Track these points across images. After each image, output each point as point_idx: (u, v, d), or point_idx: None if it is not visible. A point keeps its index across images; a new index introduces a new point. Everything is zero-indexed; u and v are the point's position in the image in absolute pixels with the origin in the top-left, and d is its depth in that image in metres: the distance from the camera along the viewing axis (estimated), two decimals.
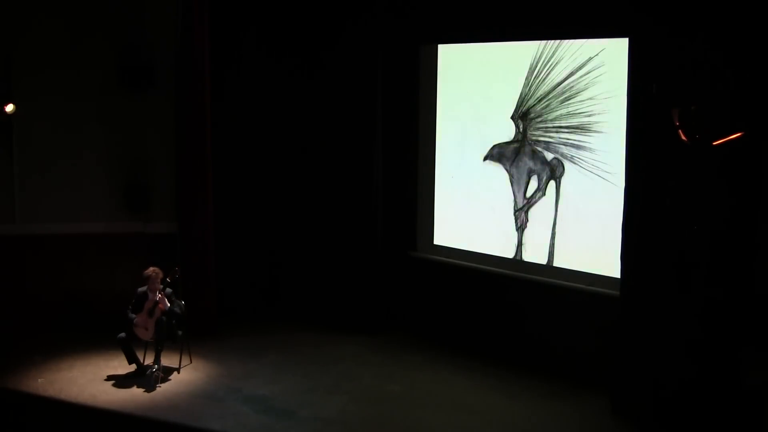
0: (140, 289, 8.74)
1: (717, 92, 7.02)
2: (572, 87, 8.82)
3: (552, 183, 9.11)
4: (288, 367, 8.98)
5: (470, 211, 9.93)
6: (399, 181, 10.32)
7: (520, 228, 9.45)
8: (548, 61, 9.02)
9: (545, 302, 9.01)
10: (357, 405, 8.08)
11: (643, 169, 7.62)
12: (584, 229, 8.84)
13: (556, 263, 9.11)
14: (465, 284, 9.77)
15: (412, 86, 10.25)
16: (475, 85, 9.76)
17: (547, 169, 9.14)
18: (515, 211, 9.49)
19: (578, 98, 8.78)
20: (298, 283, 10.79)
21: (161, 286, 8.66)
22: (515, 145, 9.43)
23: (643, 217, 7.61)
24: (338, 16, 10.19)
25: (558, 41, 8.90)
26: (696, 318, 7.25)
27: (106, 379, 8.57)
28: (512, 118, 9.42)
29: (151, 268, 8.73)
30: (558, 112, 8.98)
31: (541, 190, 9.21)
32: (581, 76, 8.73)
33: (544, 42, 9.01)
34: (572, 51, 8.79)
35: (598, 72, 8.60)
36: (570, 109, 8.87)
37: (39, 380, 8.50)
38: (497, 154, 9.63)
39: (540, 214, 9.23)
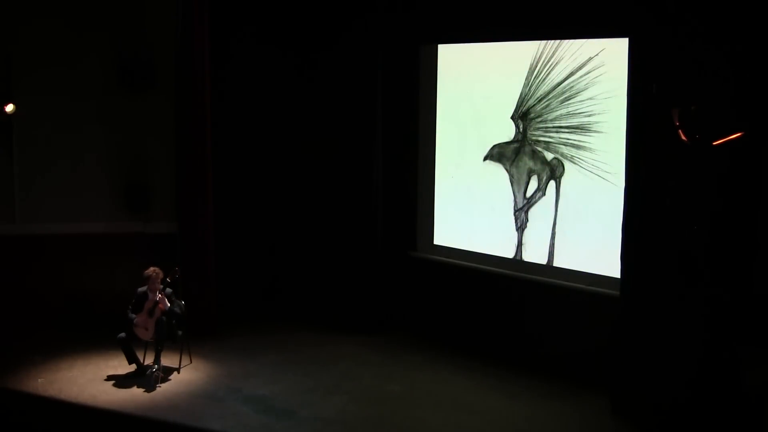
0: (140, 289, 8.74)
1: (717, 92, 7.02)
2: (572, 87, 8.82)
3: (552, 183, 9.11)
4: (288, 367, 8.98)
5: (470, 211, 9.93)
6: (399, 181, 10.33)
7: (520, 228, 9.45)
8: (548, 61, 9.02)
9: (545, 302, 9.01)
10: (357, 405, 8.08)
11: (643, 169, 7.62)
12: (584, 229, 8.84)
13: (556, 263, 9.11)
14: (465, 284, 9.77)
15: (412, 86, 10.25)
16: (475, 85, 9.76)
17: (547, 169, 9.14)
18: (515, 211, 9.49)
19: (578, 98, 8.78)
20: (298, 282, 10.80)
21: (161, 286, 8.66)
22: (515, 145, 9.43)
23: (643, 217, 7.61)
24: (338, 16, 10.19)
25: (558, 41, 8.90)
26: (696, 318, 7.25)
27: (106, 379, 8.57)
28: (512, 118, 9.42)
29: (152, 268, 8.73)
30: (558, 112, 8.98)
31: (541, 190, 9.21)
32: (581, 76, 8.74)
33: (544, 42, 9.02)
34: (572, 51, 8.80)
35: (598, 72, 8.60)
36: (570, 109, 8.87)
37: (39, 380, 8.50)
38: (497, 154, 9.63)
39: (540, 214, 9.23)
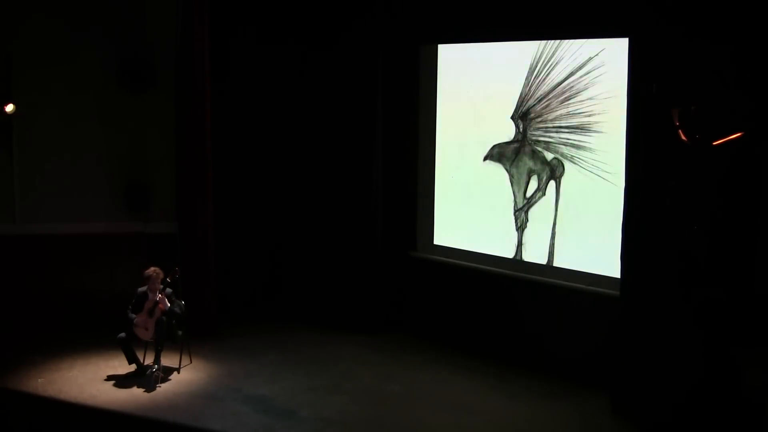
0: (140, 289, 8.74)
1: (717, 92, 7.02)
2: (572, 87, 8.82)
3: (552, 183, 9.11)
4: (288, 366, 8.98)
5: (470, 211, 9.93)
6: (399, 181, 10.32)
7: (520, 228, 9.45)
8: (548, 61, 9.02)
9: (545, 302, 9.01)
10: (357, 405, 8.08)
11: (643, 169, 7.62)
12: (584, 229, 8.84)
13: (556, 263, 9.11)
14: (465, 284, 9.77)
15: (412, 86, 10.24)
16: (475, 85, 9.76)
17: (547, 169, 9.14)
18: (515, 211, 9.49)
19: (578, 98, 8.78)
20: (298, 282, 10.80)
21: (161, 286, 8.66)
22: (515, 145, 9.43)
23: (643, 217, 7.61)
24: (338, 15, 10.19)
25: (558, 41, 8.90)
26: (696, 318, 7.25)
27: (106, 379, 8.57)
28: (512, 118, 9.42)
29: (152, 268, 8.73)
30: (558, 112, 8.98)
31: (541, 190, 9.21)
32: (581, 76, 8.73)
33: (544, 42, 9.01)
34: (572, 51, 8.79)
35: (598, 72, 8.60)
36: (570, 109, 8.87)
37: (39, 380, 8.50)
38: (497, 154, 9.63)
39: (540, 214, 9.23)
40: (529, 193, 9.35)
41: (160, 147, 10.13)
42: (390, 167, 10.19)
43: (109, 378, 8.60)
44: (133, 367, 8.70)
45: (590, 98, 8.68)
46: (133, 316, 8.65)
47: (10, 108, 9.57)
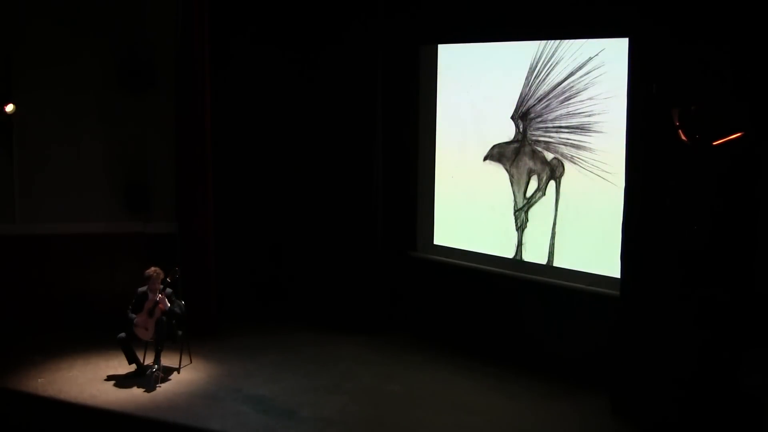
0: (140, 289, 8.74)
1: (717, 92, 7.02)
2: (572, 87, 8.82)
3: (552, 183, 9.11)
4: (288, 367, 8.98)
5: (470, 211, 9.93)
6: (399, 181, 10.32)
7: (520, 228, 9.45)
8: (548, 61, 9.02)
9: (545, 302, 9.01)
10: (357, 405, 8.08)
11: (643, 169, 7.62)
12: (584, 229, 8.84)
13: (556, 263, 9.12)
14: (465, 284, 9.77)
15: (412, 86, 10.24)
16: (475, 85, 9.77)
17: (547, 169, 9.14)
18: (515, 211, 9.49)
19: (578, 98, 8.79)
20: (298, 282, 10.80)
21: (161, 286, 8.66)
22: (515, 145, 9.43)
23: (643, 217, 7.61)
24: (338, 16, 10.19)
25: (558, 41, 8.90)
26: (696, 318, 7.24)
27: (106, 379, 8.57)
28: (512, 118, 9.42)
29: (152, 268, 8.73)
30: (558, 112, 8.98)
31: (541, 190, 9.21)
32: (581, 76, 8.74)
33: (544, 42, 9.02)
34: (572, 51, 8.80)
35: (598, 72, 8.60)
36: (570, 109, 8.87)
37: (39, 380, 8.50)
38: (497, 154, 9.63)
39: (540, 214, 9.23)
40: (529, 193, 9.35)
41: (160, 147, 10.13)
42: (390, 167, 10.19)
43: (109, 378, 8.60)
44: (133, 367, 8.70)
45: (590, 98, 8.68)
46: (133, 316, 8.65)
47: (10, 108, 9.57)
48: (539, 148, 9.20)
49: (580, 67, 8.74)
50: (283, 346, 9.62)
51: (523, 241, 9.43)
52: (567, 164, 8.96)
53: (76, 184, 10.05)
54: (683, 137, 7.04)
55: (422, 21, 9.93)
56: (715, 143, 6.90)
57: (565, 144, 8.95)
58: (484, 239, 9.79)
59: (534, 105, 9.19)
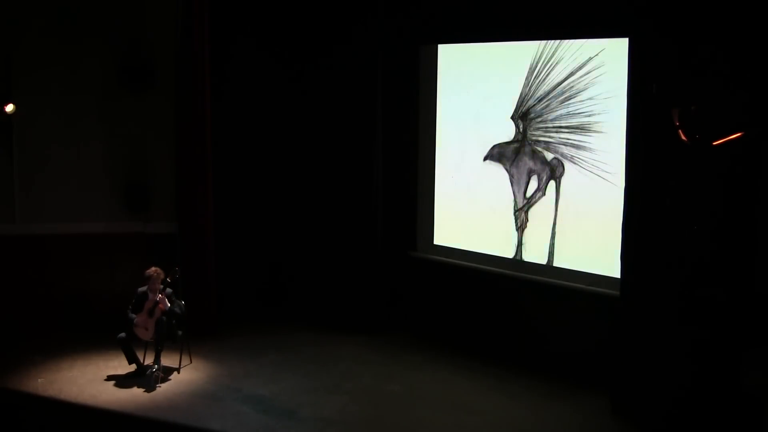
0: (140, 289, 8.74)
1: (717, 92, 7.02)
2: (572, 87, 8.82)
3: (552, 183, 9.11)
4: (288, 367, 8.98)
5: (470, 211, 9.93)
6: (399, 181, 10.33)
7: (520, 228, 9.45)
8: (548, 61, 9.02)
9: (545, 302, 9.01)
10: (357, 405, 8.08)
11: (643, 169, 7.62)
12: (584, 229, 8.84)
13: (556, 263, 9.11)
14: (465, 284, 9.77)
15: (412, 86, 10.25)
16: (475, 85, 9.77)
17: (547, 169, 9.14)
18: (515, 211, 9.49)
19: (578, 98, 8.78)
20: (298, 282, 10.80)
21: (161, 286, 8.66)
22: (515, 145, 9.43)
23: (643, 217, 7.61)
24: (338, 16, 10.19)
25: (558, 41, 8.90)
26: (696, 318, 7.24)
27: (106, 379, 8.57)
28: (512, 118, 9.42)
29: (153, 268, 8.73)
30: (558, 112, 8.98)
31: (541, 190, 9.21)
32: (581, 76, 8.74)
33: (544, 42, 9.02)
34: (572, 51, 8.80)
35: (598, 72, 8.60)
36: (570, 109, 8.87)
37: (39, 380, 8.50)
38: (497, 154, 9.63)
39: (540, 214, 9.23)
40: (529, 193, 9.35)
41: (160, 147, 10.13)
42: (390, 167, 10.19)
43: (109, 378, 8.60)
44: (133, 367, 8.70)
45: (590, 98, 8.68)
46: (133, 316, 8.65)
47: (10, 108, 9.57)
48: (539, 148, 9.20)
49: (580, 67, 8.74)
50: (283, 346, 9.62)
51: (523, 241, 9.43)
52: (567, 164, 8.96)
53: (76, 184, 10.05)
54: (683, 137, 7.04)
55: (422, 21, 9.93)
56: (715, 143, 6.90)
57: (565, 144, 8.95)
58: (484, 239, 9.79)
59: (534, 105, 9.19)
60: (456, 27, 9.65)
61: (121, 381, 8.53)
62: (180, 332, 8.80)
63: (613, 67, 8.38)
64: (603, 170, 8.61)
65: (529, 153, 9.30)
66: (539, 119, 9.16)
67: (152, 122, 10.15)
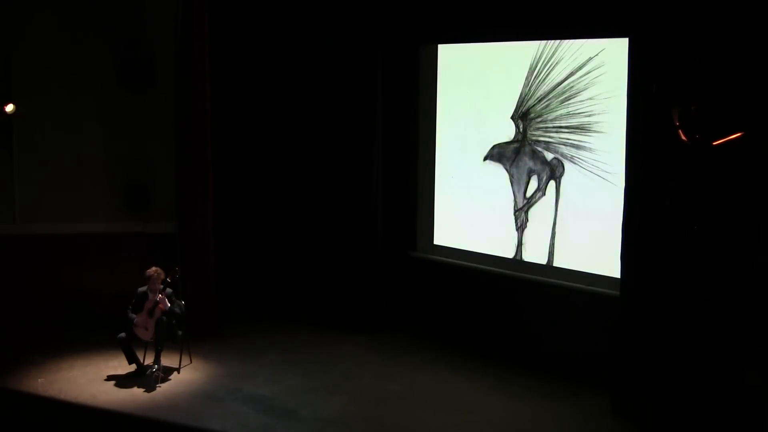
0: (140, 289, 8.74)
1: (717, 92, 7.02)
2: (572, 87, 8.82)
3: (552, 183, 9.11)
4: (288, 367, 8.98)
5: (470, 211, 9.93)
6: (399, 181, 10.33)
7: (520, 228, 9.45)
8: (548, 61, 9.02)
9: (545, 302, 9.01)
10: (357, 405, 8.08)
11: (643, 169, 7.62)
12: (584, 229, 8.84)
13: (556, 263, 9.11)
14: (465, 284, 9.77)
15: (412, 86, 10.25)
16: (475, 85, 9.77)
17: (547, 169, 9.14)
18: (515, 211, 9.49)
19: (578, 98, 8.78)
20: (298, 282, 10.79)
21: (161, 286, 8.66)
22: (515, 145, 9.43)
23: (643, 217, 7.61)
24: (338, 16, 10.18)
25: (558, 41, 8.90)
26: (696, 318, 7.24)
27: (106, 379, 8.57)
28: (512, 118, 9.42)
29: (153, 268, 8.73)
30: (558, 112, 8.98)
31: (541, 190, 9.21)
32: (581, 76, 8.74)
33: (544, 42, 9.02)
34: (572, 51, 8.80)
35: (598, 72, 8.60)
36: (570, 109, 8.87)
37: (39, 380, 8.50)
38: (497, 154, 9.63)
39: (540, 214, 9.23)
40: (529, 193, 9.35)
41: (160, 147, 10.13)
42: (390, 167, 10.19)
43: (109, 378, 8.60)
44: (133, 367, 8.70)
45: (590, 98, 8.68)
46: (133, 316, 8.65)
47: (10, 108, 9.57)
48: (539, 148, 9.20)
49: (580, 67, 8.74)
50: (283, 346, 9.62)
51: (523, 241, 9.43)
52: (567, 164, 8.96)
53: (76, 184, 10.05)
54: (683, 137, 7.04)
55: (422, 21, 9.93)
56: (715, 143, 6.90)
57: (565, 144, 8.95)
58: (484, 239, 9.79)
59: (534, 105, 9.19)
60: (456, 27, 9.65)
61: (121, 381, 8.53)
62: (180, 332, 8.80)
63: (613, 67, 8.38)
64: (603, 170, 8.61)
65: (529, 153, 9.30)
66: (539, 119, 9.16)
67: (152, 122, 10.15)
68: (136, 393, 8.28)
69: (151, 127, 10.16)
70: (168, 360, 8.80)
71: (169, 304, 8.61)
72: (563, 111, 8.93)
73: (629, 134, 7.92)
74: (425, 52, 10.17)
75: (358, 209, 10.15)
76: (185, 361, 8.96)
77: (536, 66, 9.13)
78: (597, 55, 8.59)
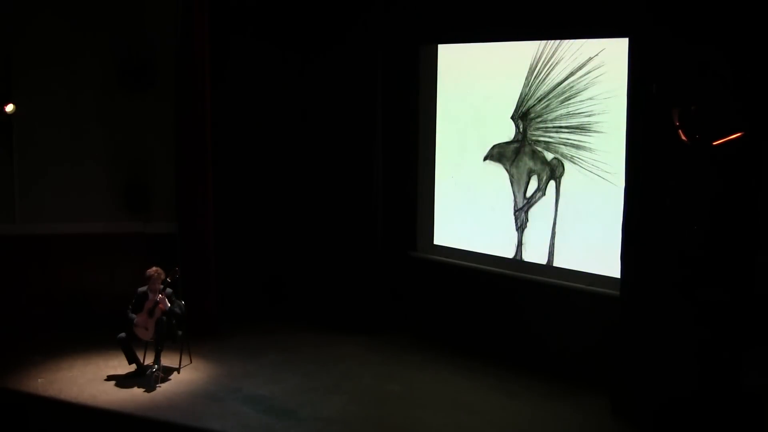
0: (140, 289, 8.74)
1: (717, 92, 7.02)
2: (572, 87, 8.83)
3: (552, 183, 9.11)
4: (288, 367, 8.98)
5: (470, 211, 9.93)
6: (399, 181, 10.33)
7: (520, 228, 9.45)
8: (548, 61, 9.02)
9: (545, 302, 9.01)
10: (357, 405, 8.08)
11: (643, 169, 7.62)
12: (584, 229, 8.84)
13: (556, 263, 9.12)
14: (465, 284, 9.77)
15: (412, 86, 10.25)
16: (475, 85, 9.77)
17: (547, 169, 9.14)
18: (515, 211, 9.49)
19: (578, 98, 8.79)
20: (298, 282, 10.80)
21: (161, 286, 8.66)
22: (515, 145, 9.43)
23: (643, 217, 7.61)
24: (338, 15, 10.19)
25: (558, 41, 8.90)
26: (696, 318, 7.24)
27: (106, 379, 8.57)
28: (512, 118, 9.42)
29: (153, 268, 8.74)
30: (558, 112, 8.98)
31: (541, 190, 9.22)
32: (581, 76, 8.74)
33: (544, 42, 9.02)
34: (572, 51, 8.80)
35: (598, 72, 8.60)
36: (570, 109, 8.87)
37: (39, 380, 8.50)
38: (497, 154, 9.63)
39: (540, 214, 9.23)
40: (529, 193, 9.35)
41: (160, 147, 10.13)
42: (390, 167, 10.19)
43: (109, 378, 8.60)
44: (133, 367, 8.70)
45: (590, 98, 8.68)
46: (133, 316, 8.65)
47: (10, 108, 9.57)
48: (539, 148, 9.20)
49: (580, 67, 8.74)
50: (283, 346, 9.62)
51: (523, 241, 9.43)
52: (567, 164, 8.96)
53: (76, 184, 10.05)
54: (683, 137, 7.04)
55: (422, 21, 9.93)
56: (715, 143, 6.90)
57: (565, 144, 8.95)
58: (484, 239, 9.79)
59: (534, 105, 9.19)
60: (456, 27, 9.65)
61: (121, 381, 8.53)
62: (180, 332, 8.80)
63: (613, 67, 8.38)
64: (603, 170, 8.61)
65: (529, 153, 9.30)
66: (539, 119, 9.16)
67: (152, 122, 10.15)
68: (136, 393, 8.28)
69: (151, 127, 10.16)
70: (168, 360, 8.80)
71: (169, 304, 8.61)
72: (563, 111, 8.93)
73: (629, 134, 7.91)
74: (425, 52, 10.17)
75: (358, 209, 10.15)
76: (185, 361, 8.96)
77: (536, 66, 9.13)
78: (597, 55, 8.59)
